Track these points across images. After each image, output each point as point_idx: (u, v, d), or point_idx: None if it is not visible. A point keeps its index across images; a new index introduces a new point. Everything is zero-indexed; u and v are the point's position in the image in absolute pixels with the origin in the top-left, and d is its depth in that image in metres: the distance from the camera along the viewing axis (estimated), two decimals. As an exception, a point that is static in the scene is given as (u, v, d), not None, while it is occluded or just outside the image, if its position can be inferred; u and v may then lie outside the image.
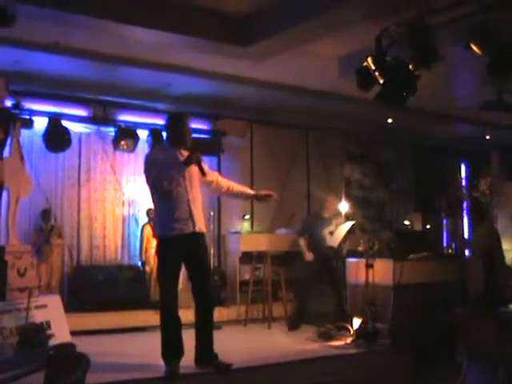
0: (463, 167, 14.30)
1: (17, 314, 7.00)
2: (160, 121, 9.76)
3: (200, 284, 5.93)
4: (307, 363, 6.60)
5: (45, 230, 8.68)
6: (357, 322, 7.72)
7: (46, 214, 8.77)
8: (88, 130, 9.37)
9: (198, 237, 5.74)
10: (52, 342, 6.73)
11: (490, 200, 12.08)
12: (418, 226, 12.09)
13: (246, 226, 10.49)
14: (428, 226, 12.08)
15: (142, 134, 9.54)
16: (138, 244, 9.46)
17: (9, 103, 8.05)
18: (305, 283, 8.80)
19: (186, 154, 5.60)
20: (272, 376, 6.21)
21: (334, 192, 10.78)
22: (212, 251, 9.56)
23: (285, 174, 11.15)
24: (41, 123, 8.78)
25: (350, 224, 8.65)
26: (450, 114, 11.15)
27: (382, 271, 7.90)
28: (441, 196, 12.63)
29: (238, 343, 7.90)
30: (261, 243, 9.78)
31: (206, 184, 5.98)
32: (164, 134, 9.53)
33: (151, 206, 9.49)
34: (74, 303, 8.61)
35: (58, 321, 7.57)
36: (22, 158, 7.62)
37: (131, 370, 6.07)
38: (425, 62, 5.94)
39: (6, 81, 7.24)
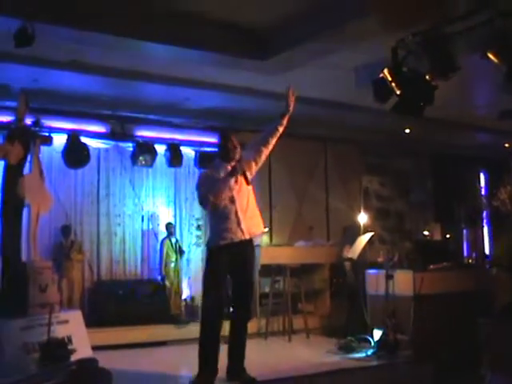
0: (482, 176, 14.21)
1: (39, 330, 7.02)
2: (177, 135, 9.84)
3: (241, 294, 6.04)
4: (328, 376, 6.58)
5: (65, 245, 8.73)
6: (378, 333, 7.68)
7: (66, 229, 8.82)
8: (106, 146, 9.42)
9: (247, 244, 5.92)
10: (74, 357, 6.76)
11: (510, 209, 11.98)
12: (437, 237, 12.00)
13: (265, 238, 10.46)
14: (448, 236, 12.01)
15: (160, 148, 9.58)
16: (157, 258, 9.48)
17: (28, 121, 8.12)
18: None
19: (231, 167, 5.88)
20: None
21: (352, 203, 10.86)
22: (231, 264, 9.56)
23: (303, 187, 11.13)
24: (60, 140, 8.85)
25: (369, 235, 8.63)
26: (468, 123, 11.09)
27: (402, 282, 7.87)
28: (460, 206, 12.55)
29: (259, 356, 7.87)
30: (280, 256, 9.79)
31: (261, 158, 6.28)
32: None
33: (171, 220, 9.65)
34: (95, 318, 8.64)
35: (79, 336, 7.61)
36: (41, 174, 7.69)
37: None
38: (442, 73, 5.91)
39: (26, 97, 7.32)
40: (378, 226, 11.43)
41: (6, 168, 7.19)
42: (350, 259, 8.77)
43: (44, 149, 8.36)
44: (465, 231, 13.15)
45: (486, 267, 9.78)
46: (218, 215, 5.89)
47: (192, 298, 9.71)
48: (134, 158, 9.36)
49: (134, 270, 9.57)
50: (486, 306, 7.90)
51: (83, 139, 8.98)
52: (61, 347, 6.79)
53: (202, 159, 9.97)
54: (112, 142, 9.44)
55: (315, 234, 10.84)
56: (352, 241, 9.00)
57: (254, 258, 6.18)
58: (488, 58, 5.72)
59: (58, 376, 4.06)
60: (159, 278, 9.42)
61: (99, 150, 9.35)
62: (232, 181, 5.80)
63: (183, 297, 9.55)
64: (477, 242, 13.15)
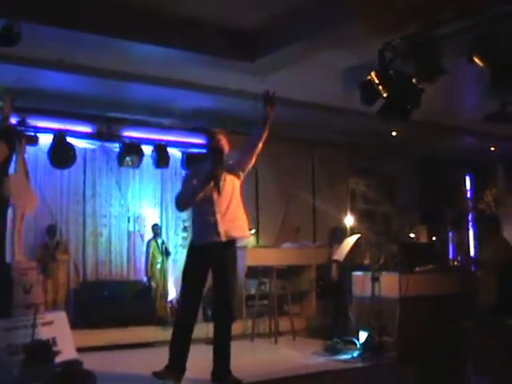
0: (468, 179, 14.28)
1: (23, 331, 6.95)
2: (164, 136, 9.82)
3: (220, 296, 5.97)
4: (314, 377, 6.57)
5: (50, 245, 8.70)
6: (363, 335, 7.69)
7: (51, 229, 8.78)
8: (93, 146, 9.40)
9: (225, 246, 5.83)
10: (58, 359, 6.71)
11: (495, 212, 12.06)
12: (423, 239, 12.07)
13: (252, 240, 10.46)
14: (433, 239, 12.06)
15: (147, 149, 9.56)
16: (143, 259, 9.46)
17: (14, 120, 8.06)
18: None
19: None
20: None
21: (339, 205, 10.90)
22: (218, 266, 9.55)
23: (290, 189, 11.14)
24: (46, 140, 8.81)
25: (355, 237, 8.64)
26: (455, 126, 11.14)
27: (388, 284, 7.88)
28: (446, 208, 12.62)
29: (244, 358, 7.85)
30: (266, 257, 9.80)
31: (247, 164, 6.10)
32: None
33: (157, 221, 9.63)
34: (80, 319, 8.58)
35: (63, 337, 7.54)
36: (27, 174, 7.63)
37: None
38: (428, 76, 5.95)
39: (11, 98, 7.27)
40: (365, 228, 11.47)
41: (-9, 168, 7.14)
42: (337, 261, 8.77)
43: (30, 149, 8.33)
44: (450, 234, 13.22)
45: (471, 269, 9.80)
46: (197, 215, 5.91)
47: (178, 300, 9.67)
48: (120, 158, 9.34)
49: (120, 271, 9.55)
50: (470, 309, 7.94)
51: (69, 139, 8.95)
52: (45, 349, 6.72)
53: (189, 160, 9.96)
54: (98, 143, 9.43)
55: (302, 236, 10.86)
56: (338, 242, 9.01)
57: (235, 261, 6.03)
58: (473, 61, 5.75)
59: (42, 378, 4.03)
60: (145, 279, 9.39)
61: (85, 150, 9.34)
62: (211, 183, 5.71)
63: (169, 298, 9.50)
64: (462, 245, 13.23)
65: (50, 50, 7.08)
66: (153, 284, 9.30)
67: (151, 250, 9.35)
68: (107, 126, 9.37)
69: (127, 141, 9.41)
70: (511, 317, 6.48)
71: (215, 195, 5.76)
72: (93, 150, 9.43)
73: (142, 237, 9.62)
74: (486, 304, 8.15)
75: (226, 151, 6.01)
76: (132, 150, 9.35)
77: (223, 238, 5.78)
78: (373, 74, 6.29)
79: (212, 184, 5.69)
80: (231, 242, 5.90)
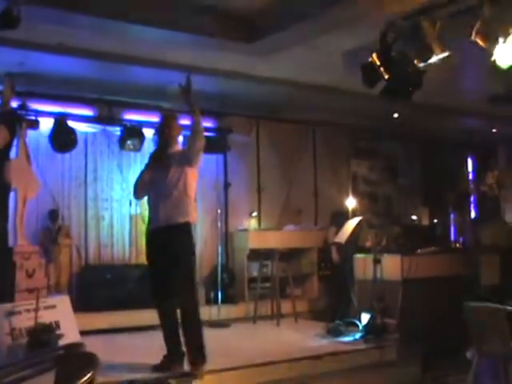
0: (470, 161, 14.25)
1: (26, 315, 6.98)
2: (166, 119, 9.78)
3: (170, 282, 5.79)
4: (317, 359, 6.59)
5: (52, 230, 8.66)
6: (365, 317, 7.71)
7: (53, 214, 8.75)
8: (94, 130, 9.35)
9: (168, 231, 5.74)
10: (61, 342, 6.74)
11: (497, 194, 12.04)
12: (425, 221, 12.07)
13: (254, 223, 10.49)
14: (435, 221, 12.05)
15: (148, 132, 9.51)
16: (145, 243, 9.44)
17: (14, 104, 8.04)
18: None
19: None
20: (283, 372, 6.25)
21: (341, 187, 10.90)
22: (219, 249, 9.57)
23: (292, 171, 11.14)
24: (47, 124, 8.75)
25: (357, 220, 8.63)
26: (457, 108, 11.08)
27: (390, 266, 7.92)
28: (448, 190, 12.59)
29: (247, 340, 7.91)
30: (268, 240, 9.85)
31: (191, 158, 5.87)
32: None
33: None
34: (83, 302, 8.58)
35: (67, 321, 7.56)
36: (28, 158, 7.66)
37: (141, 368, 6.09)
38: (428, 57, 5.90)
39: (12, 81, 7.24)
40: (367, 210, 11.44)
41: (-8, 152, 7.14)
42: (338, 243, 8.77)
43: (31, 133, 8.31)
44: (452, 216, 13.20)
45: (472, 251, 9.81)
46: (147, 201, 6.01)
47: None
48: (121, 142, 9.29)
49: (122, 254, 9.52)
50: (472, 290, 7.96)
51: (70, 123, 8.88)
52: (48, 332, 6.75)
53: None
54: (100, 126, 9.37)
55: (303, 219, 10.87)
56: (339, 225, 9.00)
57: (183, 246, 5.84)
58: (476, 42, 5.71)
59: (45, 361, 4.03)
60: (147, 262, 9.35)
61: (86, 133, 9.27)
62: (152, 171, 5.80)
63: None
64: (464, 227, 13.20)
65: (49, 34, 7.03)
66: (155, 267, 9.27)
67: (153, 234, 9.33)
68: (108, 110, 9.32)
69: (128, 124, 9.36)
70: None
71: (160, 181, 5.75)
72: (94, 134, 9.38)
73: (143, 220, 9.58)
74: (488, 285, 8.17)
75: (173, 135, 5.96)
76: (133, 133, 9.30)
77: (163, 223, 5.75)
78: (374, 55, 6.25)
79: (155, 166, 5.74)
80: (175, 228, 5.76)
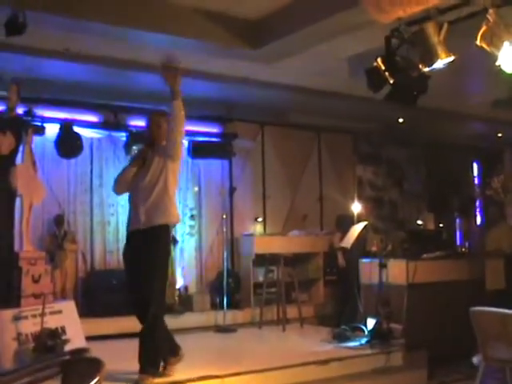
0: (475, 166, 14.24)
1: (32, 320, 7.00)
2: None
3: (145, 287, 5.58)
4: (323, 365, 6.57)
5: (58, 235, 8.69)
6: (371, 322, 7.70)
7: (59, 219, 8.77)
8: (99, 136, 9.38)
9: (147, 234, 5.53)
10: (67, 348, 6.76)
11: (503, 198, 12.01)
12: (430, 226, 12.05)
13: (259, 228, 10.49)
14: (441, 225, 12.03)
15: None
16: (151, 248, 9.44)
17: (20, 110, 8.06)
18: None
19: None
20: (288, 378, 6.24)
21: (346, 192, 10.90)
22: (225, 254, 9.58)
23: (297, 176, 11.15)
24: (52, 130, 8.80)
25: (362, 224, 8.63)
26: (462, 113, 11.09)
27: (396, 271, 7.90)
28: (453, 195, 12.58)
29: (252, 346, 7.91)
30: (274, 245, 9.85)
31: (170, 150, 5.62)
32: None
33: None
34: (89, 308, 8.63)
35: (72, 326, 7.57)
36: (34, 164, 7.65)
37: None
38: (432, 62, 5.89)
39: (18, 87, 7.26)
40: (372, 215, 11.45)
41: (-2, 158, 7.15)
42: (343, 248, 8.77)
43: (37, 139, 8.30)
44: (458, 220, 13.19)
45: (480, 256, 9.79)
46: (128, 202, 5.78)
47: (186, 288, 9.71)
48: (127, 147, 9.31)
49: (128, 260, 9.51)
50: (478, 295, 7.93)
51: (76, 129, 8.93)
52: (54, 338, 6.77)
53: (195, 149, 9.95)
54: (105, 132, 9.41)
55: (309, 224, 10.87)
56: (344, 230, 9.00)
57: (159, 248, 5.60)
58: (481, 47, 5.71)
59: (51, 366, 4.05)
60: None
61: (92, 139, 9.31)
62: (136, 168, 5.58)
63: (177, 286, 9.50)
64: (470, 231, 13.20)
65: (55, 40, 7.09)
66: (160, 272, 9.27)
67: (159, 239, 9.33)
68: (114, 115, 9.35)
69: (134, 130, 9.39)
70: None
71: (140, 179, 5.55)
72: (99, 140, 9.41)
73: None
74: (493, 290, 8.14)
75: (161, 134, 5.65)
76: (139, 138, 9.29)
77: (142, 226, 5.53)
78: (379, 60, 6.23)
79: (139, 164, 5.56)
80: (154, 229, 5.53)
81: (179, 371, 6.10)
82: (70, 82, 8.54)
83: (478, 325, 5.54)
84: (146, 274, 5.54)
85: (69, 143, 8.80)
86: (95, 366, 3.33)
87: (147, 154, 5.61)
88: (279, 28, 6.99)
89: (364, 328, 7.75)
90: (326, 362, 6.62)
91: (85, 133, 9.12)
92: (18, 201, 7.48)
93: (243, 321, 9.43)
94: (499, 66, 5.71)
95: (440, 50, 5.87)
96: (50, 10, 6.04)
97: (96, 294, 8.81)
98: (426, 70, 6.03)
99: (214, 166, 10.37)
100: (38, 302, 7.07)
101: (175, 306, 9.15)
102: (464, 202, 12.85)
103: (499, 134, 12.52)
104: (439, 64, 5.92)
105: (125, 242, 5.87)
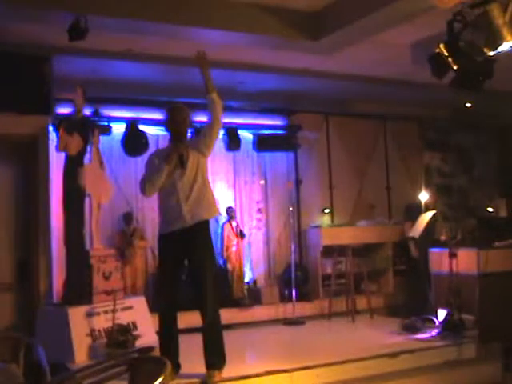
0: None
1: (104, 316, 7.20)
2: (235, 119, 9.82)
3: (195, 282, 5.73)
4: (392, 357, 6.48)
5: (127, 232, 8.83)
6: (442, 313, 7.56)
7: (127, 217, 8.92)
8: (164, 133, 9.41)
9: (193, 230, 5.53)
10: (138, 343, 6.90)
11: None
12: (502, 213, 11.72)
13: (326, 219, 10.43)
14: (514, 212, 11.70)
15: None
16: (219, 242, 9.51)
17: (87, 111, 8.24)
18: None
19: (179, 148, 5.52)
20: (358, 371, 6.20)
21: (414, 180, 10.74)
22: (293, 246, 9.56)
23: (363, 165, 11.01)
24: (119, 128, 8.95)
25: (430, 214, 8.47)
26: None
27: (466, 260, 7.72)
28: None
29: (322, 338, 7.88)
30: (342, 236, 9.81)
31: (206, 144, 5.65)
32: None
33: (230, 204, 9.67)
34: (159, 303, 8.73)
35: (143, 321, 7.75)
36: (101, 164, 7.80)
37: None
38: (497, 45, 5.71)
39: (83, 90, 7.42)
40: (441, 203, 11.23)
41: (67, 159, 7.32)
42: (413, 238, 8.64)
43: (103, 138, 8.45)
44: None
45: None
46: (161, 201, 5.69)
47: (254, 282, 9.74)
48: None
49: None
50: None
51: (141, 127, 9.04)
52: (125, 333, 6.92)
53: (260, 142, 9.96)
54: (170, 129, 9.47)
55: (377, 214, 10.75)
56: (414, 219, 8.87)
57: (208, 244, 5.73)
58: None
59: (119, 365, 4.17)
60: (221, 261, 9.45)
61: (157, 136, 9.38)
62: (171, 166, 5.47)
63: (245, 280, 9.55)
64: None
65: (118, 41, 7.20)
66: (229, 266, 9.34)
67: (226, 233, 9.40)
68: (178, 112, 9.41)
69: (198, 126, 9.43)
70: None
71: (178, 177, 5.51)
72: (165, 136, 9.44)
73: (216, 219, 9.65)
74: None
75: (186, 128, 5.70)
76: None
77: (190, 222, 5.51)
78: (442, 46, 6.09)
79: (174, 162, 5.44)
80: (200, 225, 5.56)
81: (248, 366, 6.16)
82: (133, 80, 8.68)
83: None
84: (198, 270, 5.62)
85: (135, 142, 8.92)
86: (161, 365, 3.38)
87: (180, 151, 5.49)
88: (338, 18, 6.90)
89: (435, 319, 7.63)
90: (396, 354, 6.53)
91: (150, 130, 9.21)
92: (87, 200, 7.66)
93: (312, 313, 9.42)
94: None
95: (506, 32, 5.68)
96: (110, 14, 6.14)
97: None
98: (492, 53, 5.86)
99: (279, 159, 10.34)
100: (109, 299, 7.25)
101: (244, 300, 9.21)
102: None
103: None
104: (505, 47, 5.74)
105: (161, 243, 5.74)
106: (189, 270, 5.82)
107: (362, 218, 10.49)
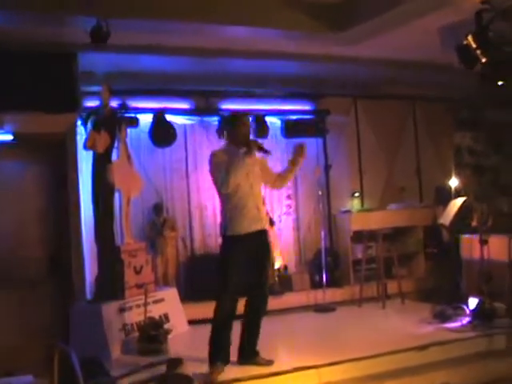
0: None
1: (136, 310, 7.33)
2: (262, 106, 9.79)
3: (259, 278, 5.99)
4: (422, 350, 6.45)
5: (158, 223, 8.88)
6: (473, 301, 7.52)
7: (157, 207, 8.95)
8: (192, 122, 9.48)
9: (264, 234, 5.93)
10: (171, 336, 7.00)
11: None
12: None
13: (356, 203, 10.39)
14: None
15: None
16: (248, 230, 9.52)
17: (115, 103, 8.25)
18: None
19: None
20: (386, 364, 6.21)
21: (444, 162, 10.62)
22: (323, 232, 9.57)
23: (393, 148, 10.89)
24: (146, 119, 8.94)
25: (461, 200, 8.37)
26: None
27: (498, 247, 7.66)
28: None
29: (351, 328, 7.85)
30: (371, 221, 9.77)
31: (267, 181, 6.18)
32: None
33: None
34: (191, 292, 8.83)
35: (175, 313, 7.90)
36: (129, 158, 7.86)
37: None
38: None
39: (109, 88, 7.46)
40: (473, 182, 11.08)
41: (95, 157, 7.39)
42: (443, 225, 8.56)
43: (131, 130, 8.49)
44: None
45: None
46: (236, 202, 5.75)
47: (285, 267, 9.75)
48: (219, 131, 9.34)
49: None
50: None
51: (168, 117, 9.03)
52: (157, 328, 7.02)
53: (288, 128, 9.92)
54: (197, 118, 9.48)
55: (407, 196, 10.67)
56: (444, 203, 8.79)
57: (270, 246, 6.21)
58: None
59: (150, 381, 4.33)
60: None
61: (185, 126, 9.38)
62: (249, 164, 5.74)
63: (276, 266, 9.58)
64: None
65: (141, 38, 7.16)
66: (259, 254, 9.34)
67: (255, 220, 9.38)
68: (205, 101, 9.42)
69: (225, 113, 9.42)
70: None
71: (253, 180, 5.81)
72: (192, 126, 9.50)
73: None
74: None
75: (249, 134, 5.97)
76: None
77: (264, 225, 5.94)
78: (470, 38, 5.99)
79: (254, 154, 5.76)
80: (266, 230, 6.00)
81: (277, 359, 6.21)
82: (159, 71, 8.63)
83: None
84: (264, 269, 6.01)
85: (162, 133, 8.91)
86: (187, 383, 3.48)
87: (257, 143, 5.81)
88: (363, 11, 6.81)
89: (466, 307, 7.58)
90: (425, 347, 6.51)
91: (177, 120, 9.21)
92: (116, 195, 7.74)
93: (343, 298, 9.44)
94: None
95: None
96: (131, 15, 6.13)
97: (197, 279, 8.97)
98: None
99: (308, 144, 10.25)
100: (140, 292, 7.38)
101: (275, 287, 9.24)
102: None
103: None
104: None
105: (233, 244, 5.83)
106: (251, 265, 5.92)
107: (392, 201, 10.41)
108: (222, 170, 5.65)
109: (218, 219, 9.37)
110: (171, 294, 8.08)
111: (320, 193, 9.71)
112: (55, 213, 8.11)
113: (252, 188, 5.79)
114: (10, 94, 7.24)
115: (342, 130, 10.44)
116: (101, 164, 7.37)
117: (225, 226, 5.89)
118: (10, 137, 7.81)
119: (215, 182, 5.79)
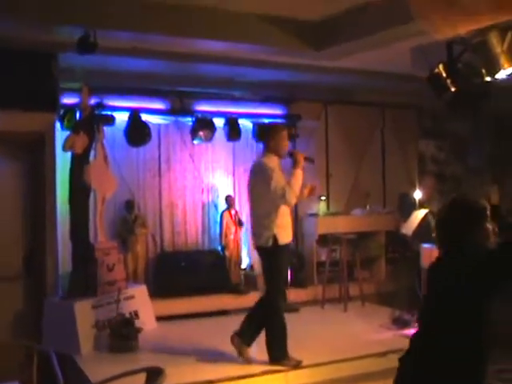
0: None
1: (108, 308, 7.53)
2: (236, 108, 9.96)
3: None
4: (381, 356, 6.77)
5: (129, 220, 9.02)
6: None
7: (129, 205, 9.07)
8: (166, 122, 9.61)
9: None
10: (140, 336, 7.21)
11: None
12: (494, 199, 11.92)
13: (323, 206, 10.64)
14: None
15: (219, 122, 9.71)
16: (217, 229, 9.75)
17: (92, 101, 8.32)
18: None
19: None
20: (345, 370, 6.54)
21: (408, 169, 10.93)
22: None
23: (360, 154, 11.16)
24: (122, 118, 9.02)
25: (423, 212, 8.69)
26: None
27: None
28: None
29: (315, 331, 8.08)
30: (337, 225, 10.06)
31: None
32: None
33: (230, 192, 9.87)
34: (159, 289, 9.00)
35: (145, 310, 8.11)
36: (106, 159, 8.01)
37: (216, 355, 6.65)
38: (495, 72, 5.89)
39: (89, 89, 7.59)
40: (435, 191, 11.43)
41: (73, 158, 7.52)
42: (404, 235, 8.88)
43: (107, 128, 8.60)
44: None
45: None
46: (284, 213, 6.24)
47: (251, 267, 10.00)
48: (193, 132, 9.48)
49: (195, 241, 9.81)
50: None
51: (144, 116, 9.13)
52: (128, 325, 7.24)
53: (259, 131, 10.09)
54: (172, 118, 9.61)
55: (372, 201, 10.96)
56: (406, 212, 9.11)
57: None
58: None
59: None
60: (219, 248, 9.70)
61: (159, 125, 9.51)
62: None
63: (242, 266, 9.83)
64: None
65: (120, 42, 7.27)
66: (226, 253, 9.53)
67: (225, 221, 9.57)
68: (180, 101, 9.53)
69: (199, 114, 9.58)
70: None
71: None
72: (166, 126, 9.62)
73: (215, 207, 9.89)
74: None
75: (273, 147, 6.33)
76: (204, 124, 9.49)
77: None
78: (441, 66, 6.27)
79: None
80: None
81: (242, 363, 6.47)
82: (136, 71, 8.71)
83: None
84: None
85: (137, 132, 9.00)
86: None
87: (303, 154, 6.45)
88: (341, 32, 7.02)
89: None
90: (385, 354, 6.83)
91: (152, 119, 9.34)
92: (92, 194, 7.89)
93: (307, 298, 9.74)
94: None
95: (503, 60, 5.86)
96: (117, 28, 6.27)
97: (166, 275, 9.17)
98: (489, 79, 6.03)
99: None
100: (112, 289, 7.58)
101: (240, 286, 9.50)
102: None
103: None
104: (502, 74, 5.92)
105: (282, 252, 6.31)
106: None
107: (357, 205, 10.70)
108: (281, 182, 6.06)
109: (188, 217, 9.70)
110: (141, 291, 8.28)
111: (287, 195, 9.91)
112: (31, 210, 8.21)
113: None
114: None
115: (311, 134, 10.65)
116: (78, 164, 7.51)
117: (275, 236, 6.20)
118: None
119: (274, 192, 6.05)
